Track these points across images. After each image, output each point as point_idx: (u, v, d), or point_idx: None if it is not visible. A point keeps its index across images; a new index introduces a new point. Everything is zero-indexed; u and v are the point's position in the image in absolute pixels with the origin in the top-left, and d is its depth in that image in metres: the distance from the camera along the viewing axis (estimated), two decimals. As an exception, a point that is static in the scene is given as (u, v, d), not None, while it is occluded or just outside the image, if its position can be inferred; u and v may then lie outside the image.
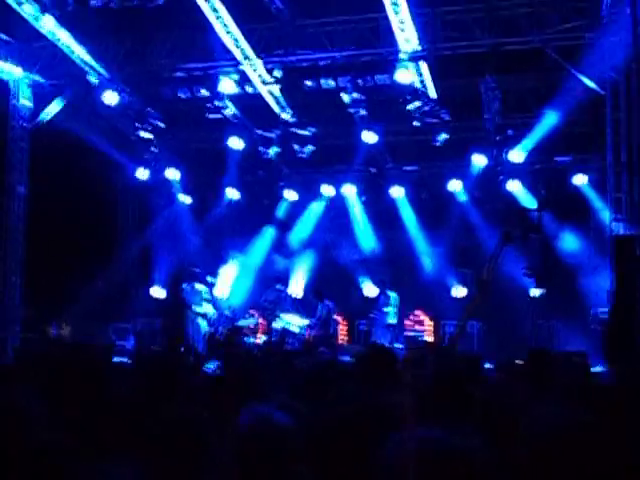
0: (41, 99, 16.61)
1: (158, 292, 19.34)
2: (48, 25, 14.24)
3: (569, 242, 16.81)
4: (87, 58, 15.45)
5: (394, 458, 2.06)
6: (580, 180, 17.35)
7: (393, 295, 16.48)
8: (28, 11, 13.89)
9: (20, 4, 13.77)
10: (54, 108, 16.55)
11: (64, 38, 14.79)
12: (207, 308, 16.16)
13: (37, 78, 16.22)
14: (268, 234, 19.69)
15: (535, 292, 13.59)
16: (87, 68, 15.65)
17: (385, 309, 16.36)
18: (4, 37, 15.60)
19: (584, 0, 13.80)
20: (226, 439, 3.38)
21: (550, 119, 15.49)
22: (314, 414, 3.70)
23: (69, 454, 2.70)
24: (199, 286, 16.28)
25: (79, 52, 15.26)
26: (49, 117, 16.55)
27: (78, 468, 2.77)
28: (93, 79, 15.83)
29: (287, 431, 2.95)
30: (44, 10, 13.62)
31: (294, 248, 19.44)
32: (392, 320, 16.38)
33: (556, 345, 12.78)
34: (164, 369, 4.49)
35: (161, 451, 3.47)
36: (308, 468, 3.08)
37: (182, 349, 14.19)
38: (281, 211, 19.85)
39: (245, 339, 15.99)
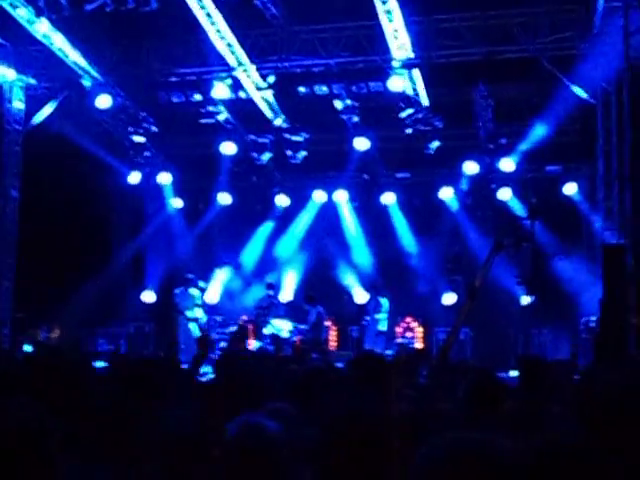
0: (34, 102, 16.61)
1: (150, 296, 19.31)
2: (43, 29, 14.27)
3: (563, 257, 16.87)
4: (81, 62, 15.48)
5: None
6: (571, 189, 17.42)
7: (384, 301, 16.52)
8: (23, 15, 13.92)
9: (15, 7, 13.79)
10: (47, 111, 16.54)
11: (58, 42, 14.82)
12: (199, 313, 16.16)
13: (31, 81, 16.22)
14: (260, 239, 19.66)
15: (526, 300, 13.64)
16: (81, 72, 15.69)
17: (377, 316, 16.38)
18: (-2, 40, 15.62)
19: (577, 11, 13.94)
20: (216, 447, 3.39)
21: (540, 130, 15.59)
22: (306, 421, 3.73)
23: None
24: (192, 291, 16.28)
25: (73, 56, 15.29)
26: (41, 120, 16.53)
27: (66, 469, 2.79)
28: (87, 83, 15.85)
29: (277, 440, 2.96)
30: (39, 14, 13.65)
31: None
32: (383, 327, 16.41)
33: (546, 353, 12.83)
34: (147, 373, 4.47)
35: (149, 458, 3.48)
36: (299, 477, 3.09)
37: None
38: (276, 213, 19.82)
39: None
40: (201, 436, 3.62)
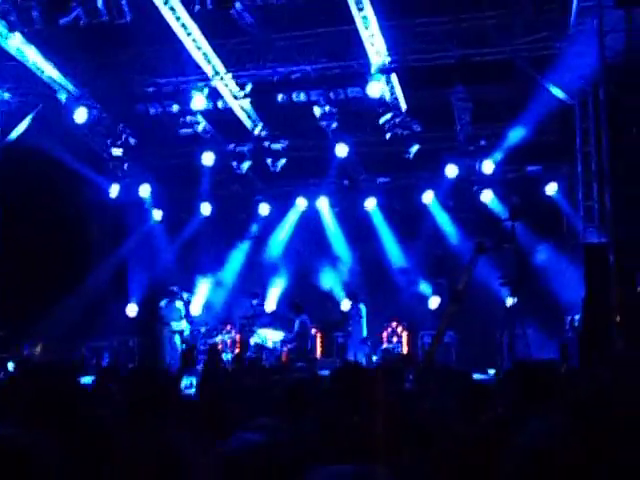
0: (10, 117, 16.46)
1: (133, 310, 19.17)
2: (16, 43, 14.13)
3: (543, 251, 16.93)
4: (56, 75, 15.36)
5: None
6: (552, 189, 17.47)
7: (362, 307, 16.54)
8: (-5, 30, 13.79)
9: (-14, 22, 13.66)
10: (23, 126, 16.40)
11: (32, 56, 14.68)
12: (183, 325, 16.06)
13: (5, 96, 16.07)
14: (242, 249, 19.58)
15: (510, 301, 13.66)
16: (56, 85, 15.56)
17: (359, 321, 16.37)
18: (-29, 56, 15.46)
19: (552, 11, 13.94)
20: (207, 465, 3.32)
21: (519, 131, 15.62)
22: (292, 435, 3.67)
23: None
24: (177, 303, 16.19)
25: (48, 70, 15.16)
26: (18, 134, 16.39)
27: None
28: (62, 96, 15.73)
29: (274, 460, 2.90)
30: (12, 28, 13.52)
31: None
32: (363, 333, 16.41)
33: (532, 353, 12.84)
34: (142, 387, 4.38)
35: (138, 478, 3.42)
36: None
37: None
38: (255, 226, 19.74)
39: (222, 355, 15.89)
40: (190, 453, 3.56)
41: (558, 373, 6.53)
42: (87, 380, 8.51)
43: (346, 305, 18.07)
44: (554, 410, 3.37)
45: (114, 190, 18.81)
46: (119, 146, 17.44)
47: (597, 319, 11.94)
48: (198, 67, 15.00)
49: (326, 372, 10.48)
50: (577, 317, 13.92)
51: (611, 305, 11.69)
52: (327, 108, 15.87)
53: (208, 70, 15.03)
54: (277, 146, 17.13)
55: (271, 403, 4.96)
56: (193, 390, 9.06)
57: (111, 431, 3.92)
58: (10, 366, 14.25)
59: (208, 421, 4.51)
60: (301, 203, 19.42)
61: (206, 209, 19.51)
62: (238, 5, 13.11)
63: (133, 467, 3.49)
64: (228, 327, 17.59)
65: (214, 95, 15.80)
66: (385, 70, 14.72)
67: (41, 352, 16.76)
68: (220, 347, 16.40)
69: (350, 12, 13.29)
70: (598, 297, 12.07)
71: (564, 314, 15.41)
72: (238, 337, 17.23)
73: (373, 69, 14.60)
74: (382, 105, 15.45)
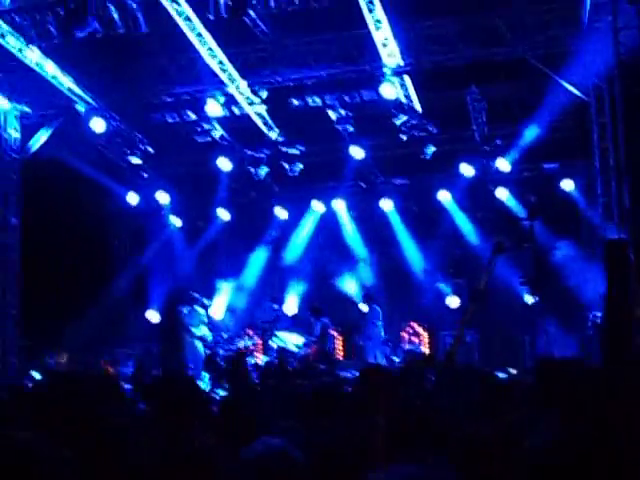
0: (30, 130, 16.65)
1: (154, 316, 19.31)
2: (33, 57, 14.30)
3: (562, 248, 16.88)
4: (74, 87, 15.52)
5: None
6: (568, 186, 17.44)
7: (378, 309, 16.58)
8: (12, 44, 13.95)
9: (3, 36, 13.82)
10: (42, 138, 16.59)
11: (50, 69, 14.85)
12: (204, 330, 16.16)
13: (25, 109, 16.26)
14: (261, 254, 19.69)
15: (530, 300, 13.65)
16: (74, 97, 15.73)
17: (378, 323, 16.41)
18: (-11, 70, 15.64)
19: (565, 8, 13.92)
20: (232, 470, 3.39)
21: (535, 128, 15.60)
22: (315, 441, 3.74)
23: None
24: (198, 309, 16.30)
25: (65, 82, 15.33)
26: (37, 147, 16.58)
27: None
28: (81, 108, 15.90)
29: (298, 465, 2.97)
30: (29, 42, 13.68)
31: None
32: (382, 334, 16.45)
33: (553, 352, 12.82)
34: (175, 395, 4.45)
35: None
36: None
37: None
38: (273, 231, 19.85)
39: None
40: (221, 460, 3.62)
41: (580, 371, 6.56)
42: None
43: (364, 307, 18.13)
44: (571, 410, 3.41)
45: (133, 199, 18.98)
46: (137, 155, 17.62)
47: (619, 315, 11.88)
48: (214, 75, 15.10)
49: (347, 374, 10.56)
50: (598, 314, 13.86)
51: (632, 301, 11.63)
52: (342, 112, 15.96)
53: (224, 78, 15.14)
54: (294, 151, 17.23)
55: (295, 407, 5.02)
56: (218, 396, 9.14)
57: (134, 440, 3.98)
58: (36, 375, 14.39)
59: (232, 426, 4.57)
60: (319, 207, 19.49)
61: (225, 215, 19.63)
62: (252, 13, 13.21)
63: (159, 475, 3.56)
64: (250, 332, 17.67)
65: (230, 102, 15.91)
66: (398, 72, 14.76)
67: (66, 362, 16.91)
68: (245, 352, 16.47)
69: (362, 15, 13.36)
70: (618, 293, 12.01)
71: (585, 311, 15.36)
72: (259, 341, 17.31)
73: (387, 71, 14.65)
74: (397, 107, 15.49)
